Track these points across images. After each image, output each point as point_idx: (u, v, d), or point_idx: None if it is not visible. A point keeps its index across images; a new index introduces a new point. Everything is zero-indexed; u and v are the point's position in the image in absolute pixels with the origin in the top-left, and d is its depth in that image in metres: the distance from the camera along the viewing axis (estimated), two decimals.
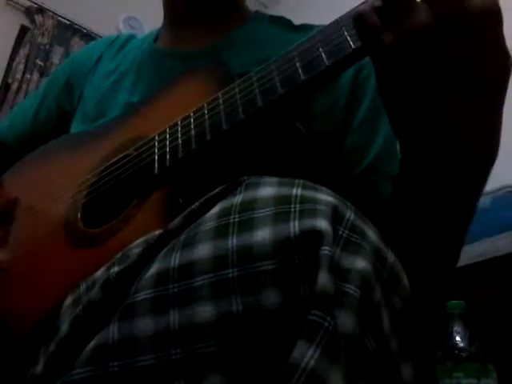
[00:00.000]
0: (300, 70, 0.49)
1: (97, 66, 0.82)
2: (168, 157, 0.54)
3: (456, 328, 1.09)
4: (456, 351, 1.06)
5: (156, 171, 0.55)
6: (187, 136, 0.54)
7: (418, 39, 0.40)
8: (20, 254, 0.60)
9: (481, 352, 1.05)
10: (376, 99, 0.64)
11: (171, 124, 0.57)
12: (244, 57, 0.69)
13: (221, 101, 0.54)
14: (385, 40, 0.41)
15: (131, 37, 0.87)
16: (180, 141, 0.54)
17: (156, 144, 0.57)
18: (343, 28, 0.47)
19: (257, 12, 0.81)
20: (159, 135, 0.58)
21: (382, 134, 0.65)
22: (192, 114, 0.56)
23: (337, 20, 0.49)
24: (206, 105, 0.55)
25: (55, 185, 0.64)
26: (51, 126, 0.84)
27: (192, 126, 0.55)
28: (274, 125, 0.56)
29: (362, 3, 0.44)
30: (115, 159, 0.61)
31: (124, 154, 0.60)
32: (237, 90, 0.54)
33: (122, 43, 0.85)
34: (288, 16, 0.80)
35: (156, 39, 0.81)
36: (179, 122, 0.57)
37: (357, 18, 0.42)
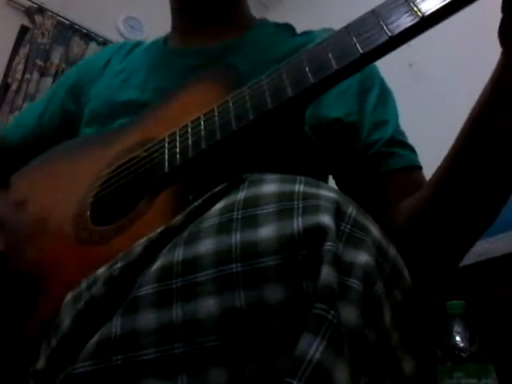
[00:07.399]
0: (309, 74, 0.51)
1: (106, 68, 0.85)
2: (178, 157, 0.56)
3: (456, 328, 1.09)
4: (456, 351, 1.05)
5: (166, 170, 0.56)
6: (197, 137, 0.56)
7: None
8: (29, 253, 0.60)
9: (481, 352, 1.05)
10: (383, 85, 0.74)
11: (181, 126, 0.58)
12: (253, 57, 0.72)
13: (231, 103, 0.56)
14: None
15: (139, 43, 0.91)
16: (190, 141, 0.56)
17: (166, 145, 0.58)
18: (351, 34, 0.51)
19: (262, 19, 0.85)
20: (169, 136, 0.59)
21: (392, 115, 0.72)
22: (202, 116, 0.57)
23: (345, 27, 0.53)
24: (216, 107, 0.57)
25: (65, 185, 0.65)
26: (55, 126, 0.86)
27: (202, 127, 0.56)
28: (281, 126, 0.57)
29: None
30: (125, 160, 0.62)
31: (134, 155, 0.61)
32: (246, 92, 0.55)
33: (129, 48, 0.89)
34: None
35: (165, 43, 0.85)
36: (189, 124, 0.58)
37: None
